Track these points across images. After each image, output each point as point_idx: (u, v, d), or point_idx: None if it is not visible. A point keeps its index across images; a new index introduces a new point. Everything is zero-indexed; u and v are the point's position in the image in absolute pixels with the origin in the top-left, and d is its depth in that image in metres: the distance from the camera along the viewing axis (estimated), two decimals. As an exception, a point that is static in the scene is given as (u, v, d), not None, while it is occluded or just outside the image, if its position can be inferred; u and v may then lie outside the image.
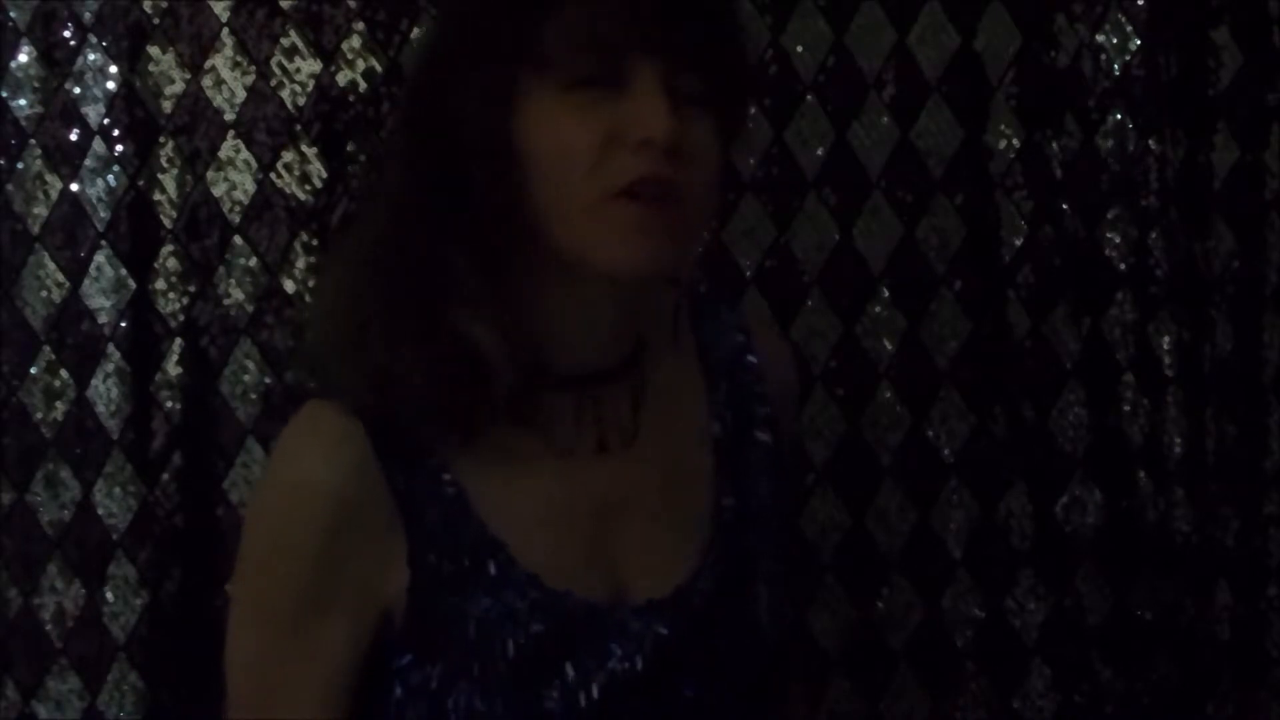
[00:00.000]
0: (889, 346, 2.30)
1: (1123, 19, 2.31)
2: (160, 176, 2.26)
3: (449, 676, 1.26)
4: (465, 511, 1.26)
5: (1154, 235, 2.32)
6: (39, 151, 2.26)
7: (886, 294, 2.30)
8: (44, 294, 2.27)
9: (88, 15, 2.24)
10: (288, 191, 2.25)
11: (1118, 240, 2.33)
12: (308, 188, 2.25)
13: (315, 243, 2.25)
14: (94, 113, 2.25)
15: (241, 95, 2.25)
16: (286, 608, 1.27)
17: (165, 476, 2.26)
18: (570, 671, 1.26)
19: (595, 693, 1.26)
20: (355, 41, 2.25)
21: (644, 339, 1.34)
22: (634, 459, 1.32)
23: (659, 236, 1.23)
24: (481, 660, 1.25)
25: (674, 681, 1.30)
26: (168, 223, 2.26)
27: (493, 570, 1.26)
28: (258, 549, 1.31)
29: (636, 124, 1.21)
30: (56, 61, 2.25)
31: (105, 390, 2.27)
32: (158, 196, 2.26)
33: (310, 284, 2.26)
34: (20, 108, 2.26)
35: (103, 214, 2.26)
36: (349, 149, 2.25)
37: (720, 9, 1.28)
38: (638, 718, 1.29)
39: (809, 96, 2.27)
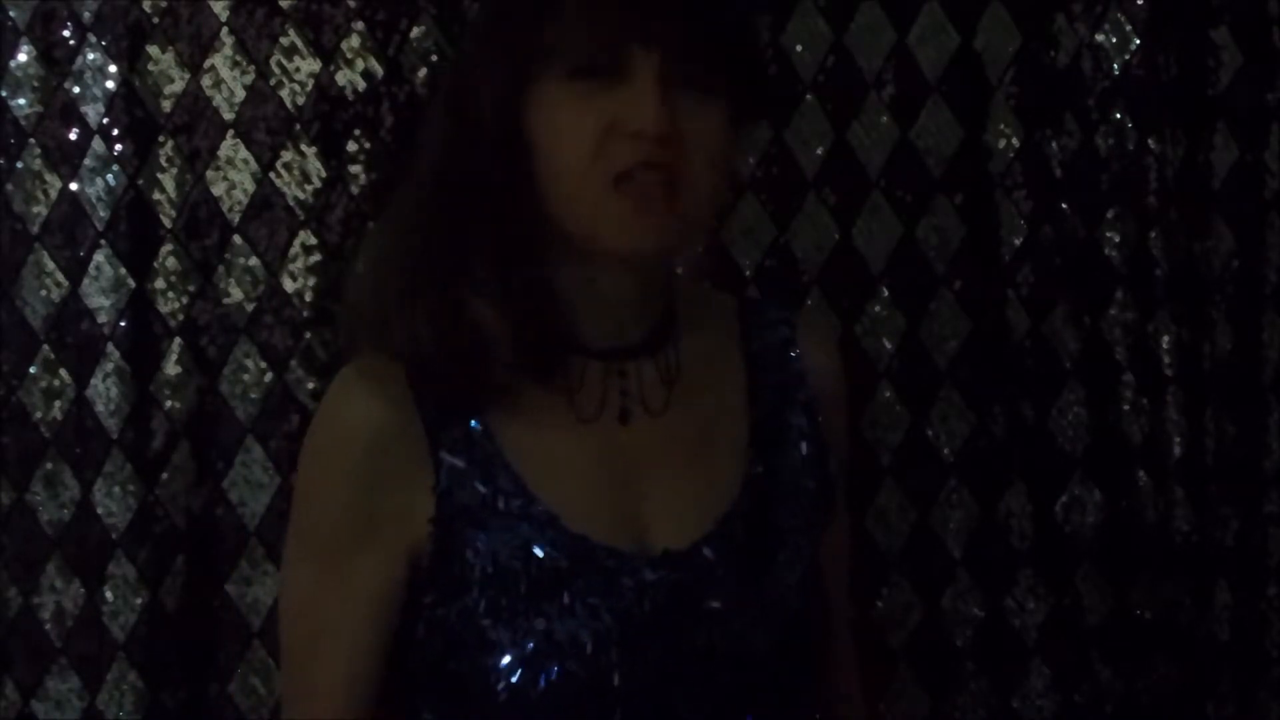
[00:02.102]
0: (889, 346, 2.30)
1: (1123, 19, 2.31)
2: (160, 176, 2.25)
3: (467, 610, 1.31)
4: (491, 450, 1.32)
5: (1154, 235, 2.32)
6: (38, 151, 2.26)
7: (886, 294, 2.30)
8: (43, 293, 2.27)
9: (87, 14, 2.24)
10: (287, 191, 2.25)
11: (1117, 240, 2.33)
12: (307, 187, 2.25)
13: (315, 242, 2.25)
14: (93, 112, 2.25)
15: (241, 95, 2.25)
16: (330, 536, 1.33)
17: (165, 476, 2.26)
18: (580, 609, 1.30)
19: (604, 632, 1.30)
20: (354, 41, 2.25)
21: (674, 318, 1.39)
22: (662, 426, 1.37)
23: (659, 219, 1.29)
24: (497, 593, 1.30)
25: (684, 632, 1.33)
26: (167, 222, 2.26)
27: (513, 506, 1.32)
28: (306, 481, 1.38)
29: (630, 115, 1.26)
30: (56, 61, 2.25)
31: (105, 390, 2.27)
32: (157, 196, 2.26)
33: (310, 283, 2.26)
34: (20, 107, 2.26)
35: (102, 213, 2.26)
36: (348, 148, 2.25)
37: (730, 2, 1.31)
38: (646, 662, 1.31)
39: (809, 96, 2.28)
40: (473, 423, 1.33)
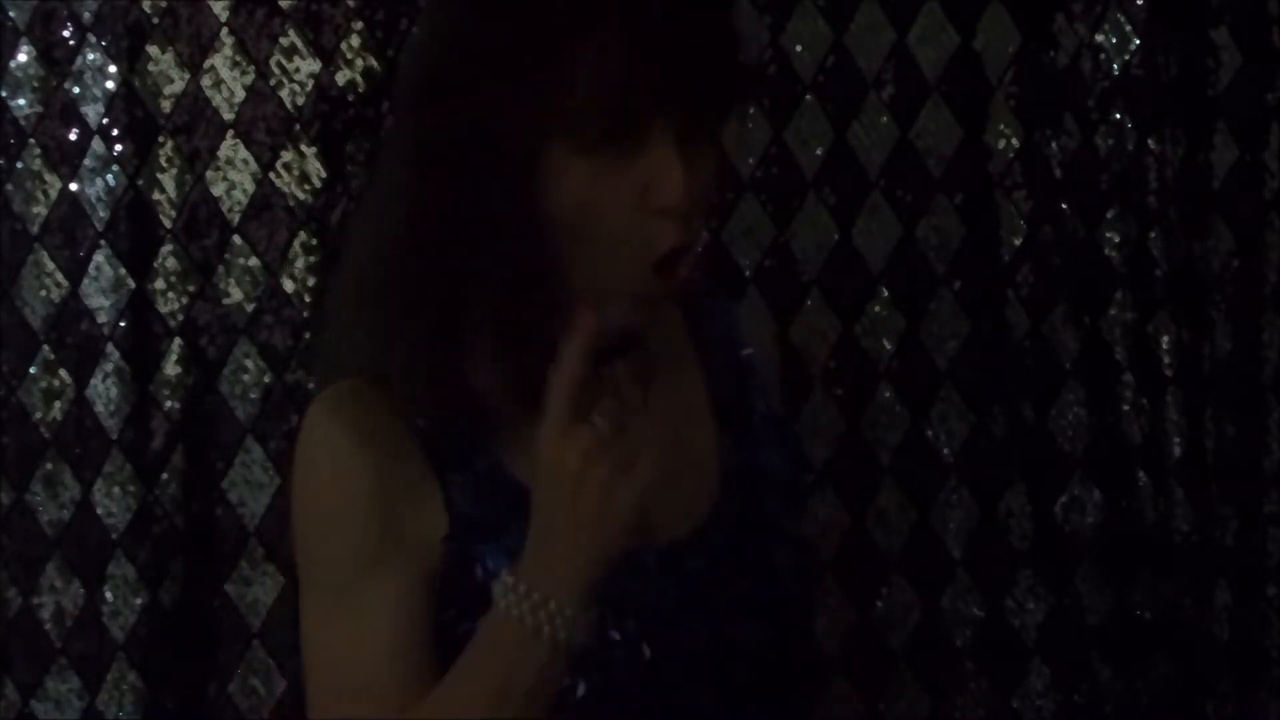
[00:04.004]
0: (889, 346, 2.30)
1: (1122, 19, 2.31)
2: (159, 176, 2.25)
3: None
4: (491, 462, 1.31)
5: (1153, 235, 2.32)
6: (38, 151, 2.26)
7: (886, 294, 2.30)
8: (43, 293, 2.27)
9: (87, 15, 2.24)
10: (287, 191, 2.25)
11: (1117, 240, 2.33)
12: (307, 187, 2.26)
13: (315, 242, 2.25)
14: (93, 112, 2.25)
15: (241, 95, 2.25)
16: (351, 573, 1.30)
17: (165, 476, 2.26)
18: (604, 611, 1.28)
19: (633, 632, 1.29)
20: (354, 41, 2.25)
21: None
22: (644, 424, 1.34)
23: (676, 280, 1.29)
24: None
25: (698, 623, 1.33)
26: (167, 222, 2.26)
27: (521, 515, 1.28)
28: (311, 527, 1.34)
29: (655, 190, 1.24)
30: (56, 61, 2.25)
31: (104, 390, 2.27)
32: (157, 196, 2.26)
33: (310, 283, 2.26)
34: (20, 107, 2.26)
35: (102, 213, 2.26)
36: (348, 149, 2.25)
37: (728, 45, 1.29)
38: (668, 655, 1.31)
39: (809, 96, 2.28)
40: (468, 433, 1.31)
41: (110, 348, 2.26)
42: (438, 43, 1.28)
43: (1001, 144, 2.31)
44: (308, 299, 2.26)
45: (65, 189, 2.26)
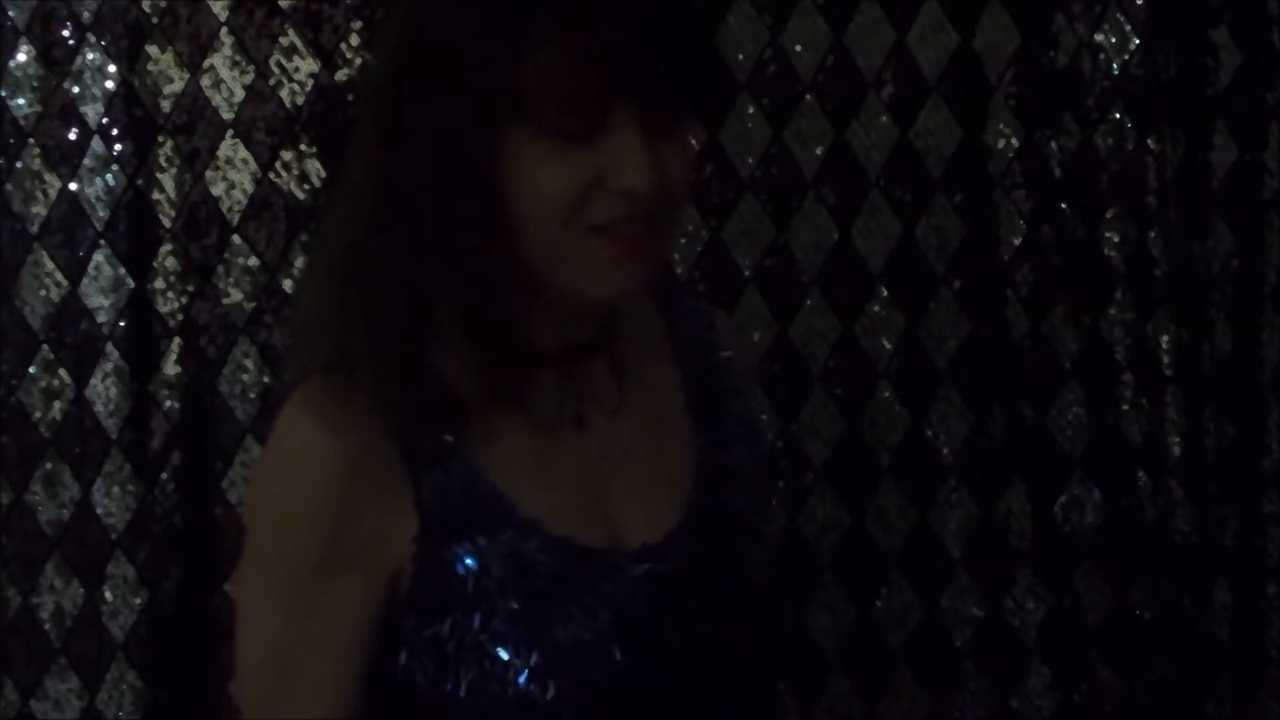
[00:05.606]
0: (888, 346, 2.30)
1: (1122, 19, 2.31)
2: (159, 176, 2.26)
3: (457, 628, 1.28)
4: (465, 463, 1.30)
5: (1153, 235, 2.32)
6: (38, 151, 2.26)
7: (886, 294, 2.30)
8: (43, 293, 2.28)
9: (86, 14, 2.24)
10: (286, 190, 2.25)
11: (1116, 240, 2.33)
12: (306, 187, 2.26)
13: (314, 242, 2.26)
14: (93, 112, 2.25)
15: (240, 94, 2.25)
16: (303, 580, 1.28)
17: (164, 476, 2.27)
18: (577, 612, 1.29)
19: (606, 632, 1.29)
20: (354, 40, 2.25)
21: (615, 314, 1.38)
22: (617, 422, 1.36)
23: (634, 264, 1.28)
24: (489, 607, 1.28)
25: (672, 623, 1.33)
26: (166, 222, 2.26)
27: (495, 515, 1.29)
28: (267, 529, 1.32)
29: (617, 173, 1.24)
30: (55, 61, 2.26)
31: (104, 390, 2.27)
32: (156, 196, 2.26)
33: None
34: (19, 107, 2.26)
35: (101, 213, 2.26)
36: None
37: (693, 33, 1.29)
38: (640, 656, 1.31)
39: (808, 96, 2.28)
40: (444, 436, 1.30)
41: (110, 348, 2.26)
42: (399, 37, 1.29)
43: (1001, 144, 2.31)
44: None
45: (65, 189, 2.26)
